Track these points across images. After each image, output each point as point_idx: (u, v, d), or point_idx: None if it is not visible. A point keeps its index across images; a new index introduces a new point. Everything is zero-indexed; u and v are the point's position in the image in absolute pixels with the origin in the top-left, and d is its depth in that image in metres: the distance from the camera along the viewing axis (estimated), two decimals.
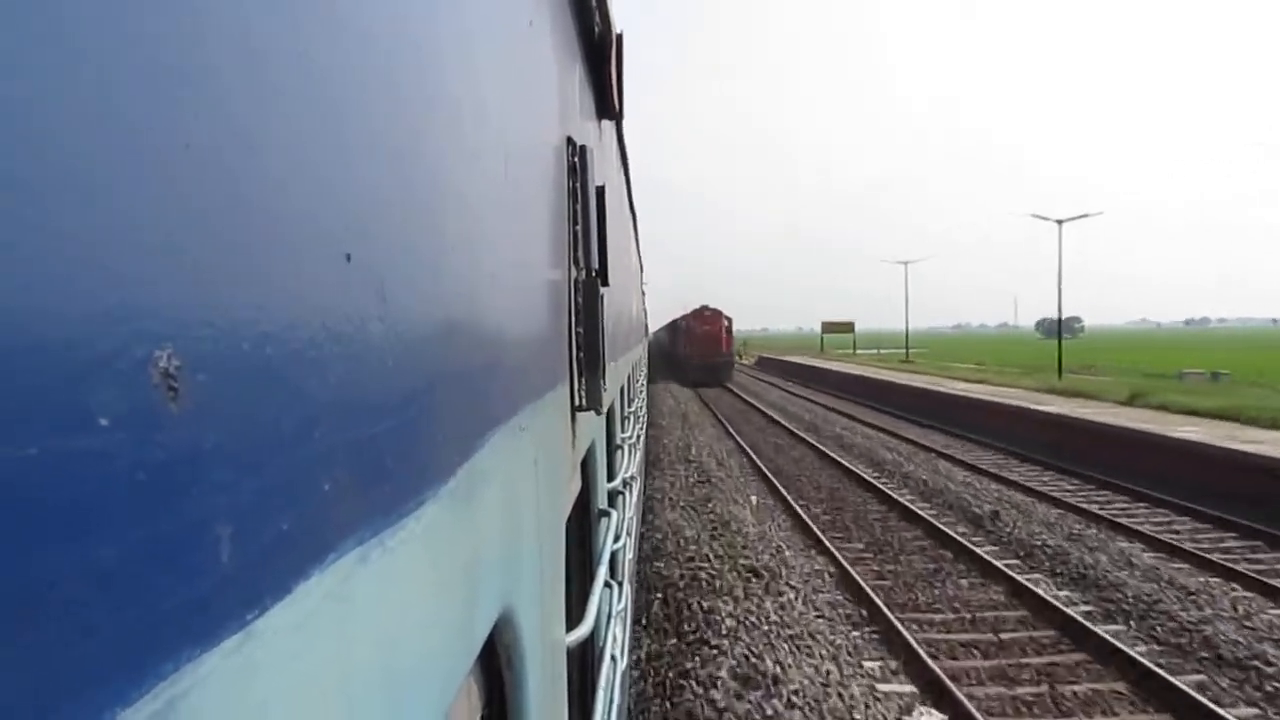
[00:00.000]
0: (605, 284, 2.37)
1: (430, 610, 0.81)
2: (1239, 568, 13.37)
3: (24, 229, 0.34)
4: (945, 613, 12.18)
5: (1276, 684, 9.34)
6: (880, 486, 20.55)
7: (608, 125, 3.64)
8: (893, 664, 10.34)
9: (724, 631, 10.24)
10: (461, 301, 1.00)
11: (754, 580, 12.46)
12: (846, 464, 23.96)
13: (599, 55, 2.80)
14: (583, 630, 1.95)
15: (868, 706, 8.74)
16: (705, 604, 11.16)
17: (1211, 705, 8.66)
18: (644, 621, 10.94)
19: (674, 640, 10.22)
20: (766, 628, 10.40)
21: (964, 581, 13.44)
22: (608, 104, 3.14)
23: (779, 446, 28.56)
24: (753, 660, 9.33)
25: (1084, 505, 18.14)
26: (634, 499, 5.10)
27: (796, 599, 11.90)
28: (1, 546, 0.32)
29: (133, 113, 0.41)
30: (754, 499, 19.36)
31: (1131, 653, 10.02)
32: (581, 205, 2.03)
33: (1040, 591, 12.40)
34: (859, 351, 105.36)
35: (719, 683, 8.75)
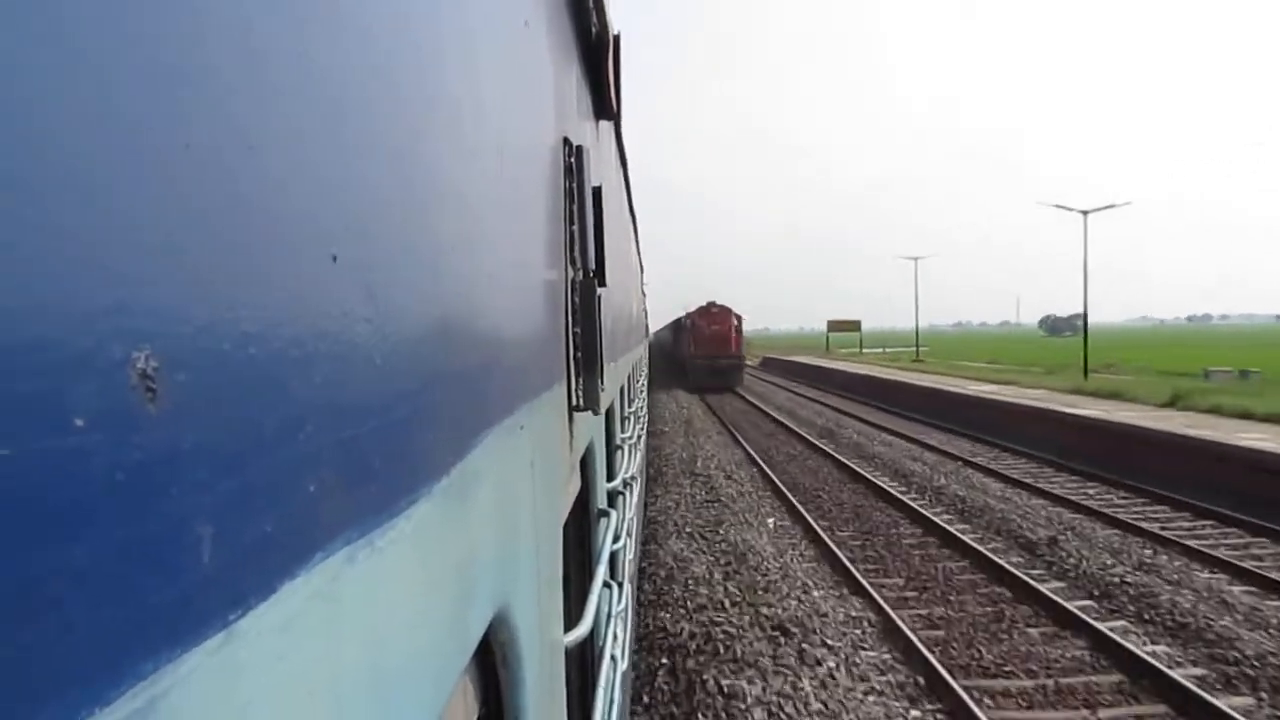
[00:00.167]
0: (603, 284, 2.35)
1: (422, 610, 0.80)
2: None
3: (12, 228, 0.34)
4: (1020, 677, 9.79)
5: None
6: (910, 504, 18.22)
7: (605, 126, 3.58)
8: None
9: None
10: (455, 301, 0.99)
11: (783, 641, 10.10)
12: (869, 476, 21.60)
13: (596, 56, 2.80)
14: (582, 630, 1.95)
15: None
16: (725, 683, 8.76)
17: None
18: (646, 700, 8.62)
19: None
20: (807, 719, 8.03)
21: (1034, 632, 11.08)
22: (605, 104, 3.12)
23: (792, 456, 26.20)
24: None
25: (1141, 524, 15.88)
26: (634, 499, 4.95)
27: (838, 667, 9.51)
28: None
29: (132, 112, 0.41)
30: (771, 522, 16.99)
31: None
32: (578, 205, 2.03)
33: (1132, 647, 10.11)
34: (864, 350, 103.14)
35: None
